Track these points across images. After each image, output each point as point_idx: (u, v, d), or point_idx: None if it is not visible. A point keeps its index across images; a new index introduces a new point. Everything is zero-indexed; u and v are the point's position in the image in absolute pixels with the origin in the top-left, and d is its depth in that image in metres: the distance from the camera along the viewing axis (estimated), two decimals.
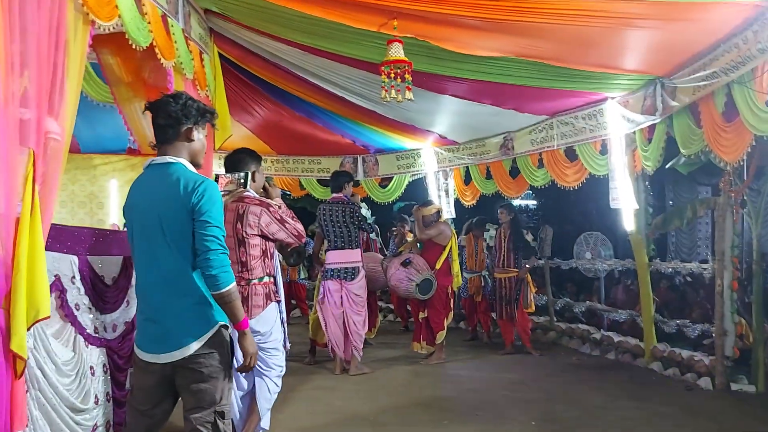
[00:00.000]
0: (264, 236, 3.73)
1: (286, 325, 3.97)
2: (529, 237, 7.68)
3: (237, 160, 3.83)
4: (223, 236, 2.49)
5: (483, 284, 8.35)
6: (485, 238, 7.90)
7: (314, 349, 6.85)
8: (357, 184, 9.54)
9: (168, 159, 2.56)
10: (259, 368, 3.75)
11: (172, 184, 2.48)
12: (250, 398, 3.87)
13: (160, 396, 2.57)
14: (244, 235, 3.68)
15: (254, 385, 3.84)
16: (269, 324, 3.75)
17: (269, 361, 3.79)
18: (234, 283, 2.47)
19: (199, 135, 2.64)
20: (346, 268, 6.23)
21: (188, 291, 2.49)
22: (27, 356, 2.64)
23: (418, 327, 7.00)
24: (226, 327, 2.55)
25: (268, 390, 3.84)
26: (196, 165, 2.66)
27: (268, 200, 3.84)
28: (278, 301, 3.84)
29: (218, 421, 2.52)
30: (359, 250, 6.32)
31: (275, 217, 3.73)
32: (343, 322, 6.23)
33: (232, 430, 2.87)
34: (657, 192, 8.98)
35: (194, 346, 2.46)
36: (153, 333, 2.53)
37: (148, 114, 2.65)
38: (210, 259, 2.41)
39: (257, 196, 3.81)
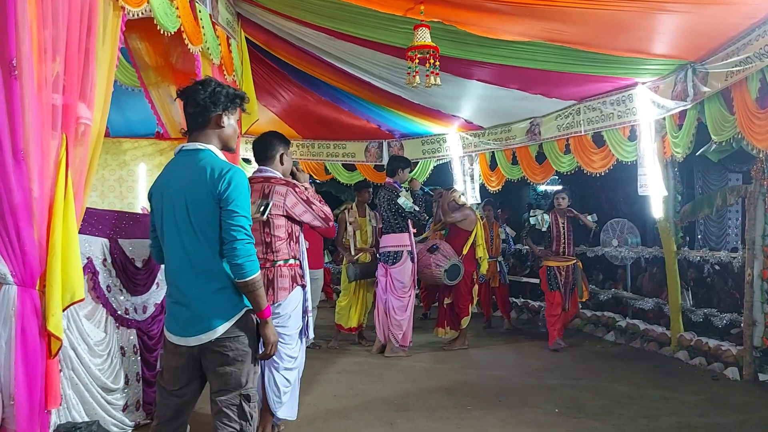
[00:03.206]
0: (289, 217, 3.64)
1: (309, 314, 3.84)
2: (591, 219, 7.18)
3: (266, 143, 3.76)
4: (250, 225, 2.51)
5: (499, 270, 8.31)
6: (532, 222, 7.43)
7: (339, 334, 6.92)
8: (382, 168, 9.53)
9: (197, 146, 2.59)
10: (271, 360, 3.53)
11: (200, 171, 2.50)
12: (261, 391, 3.67)
13: (188, 377, 2.61)
14: (269, 215, 3.59)
15: (264, 378, 3.69)
16: (290, 308, 3.65)
17: (281, 351, 3.56)
18: (259, 273, 2.49)
19: (229, 120, 2.65)
20: (388, 252, 6.36)
21: (215, 276, 2.52)
22: (63, 337, 2.71)
23: (442, 313, 7.00)
24: (252, 311, 2.59)
25: (276, 384, 3.70)
26: (228, 150, 2.68)
27: (294, 181, 3.75)
28: (303, 286, 3.74)
29: (244, 404, 2.55)
30: (405, 234, 6.37)
31: (301, 198, 3.64)
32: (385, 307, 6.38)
33: (258, 414, 2.89)
34: (686, 179, 8.87)
35: (220, 330, 2.49)
36: (181, 316, 2.57)
37: (176, 98, 2.69)
38: (236, 248, 2.44)
39: (283, 177, 3.73)
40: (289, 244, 3.66)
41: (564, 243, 7.01)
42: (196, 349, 2.54)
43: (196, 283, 2.52)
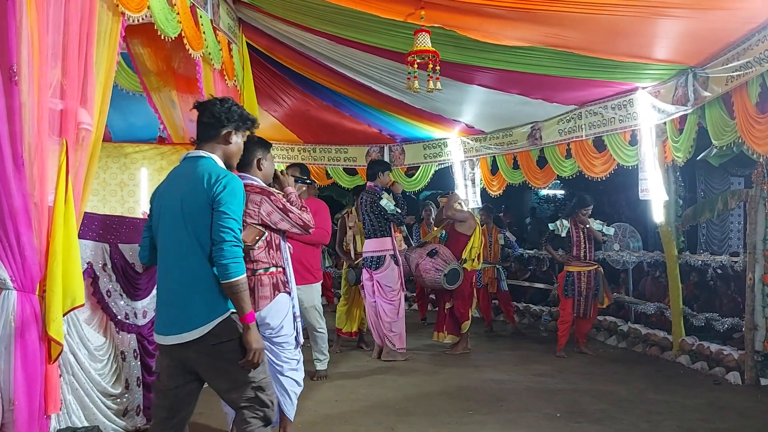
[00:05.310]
0: (266, 226, 3.53)
1: (300, 319, 3.77)
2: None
3: (244, 149, 3.42)
4: (240, 229, 2.55)
5: (497, 276, 8.28)
6: (553, 228, 7.23)
7: (339, 338, 6.91)
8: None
9: (200, 153, 2.70)
10: (274, 366, 3.56)
11: (198, 176, 2.58)
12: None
13: (180, 377, 2.63)
14: (245, 224, 3.43)
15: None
16: (280, 317, 3.56)
17: (282, 356, 3.59)
18: (244, 276, 2.52)
19: (237, 139, 2.78)
20: (372, 257, 6.31)
21: (203, 278, 2.56)
22: (63, 342, 2.72)
23: (441, 317, 6.99)
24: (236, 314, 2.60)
25: (284, 387, 3.67)
26: (228, 166, 2.77)
27: (270, 189, 3.61)
28: (288, 293, 3.64)
29: (259, 394, 2.62)
30: (388, 239, 6.34)
31: (277, 206, 3.50)
32: (375, 311, 6.34)
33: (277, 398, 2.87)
34: (688, 183, 8.83)
35: (204, 329, 2.53)
36: (167, 316, 2.62)
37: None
38: (223, 249, 2.49)
39: (262, 184, 3.59)
40: (269, 252, 3.56)
41: (584, 248, 6.84)
42: (188, 353, 2.56)
43: (185, 283, 2.57)
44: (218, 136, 2.72)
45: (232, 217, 2.52)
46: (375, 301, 6.35)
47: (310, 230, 3.69)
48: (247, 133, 2.86)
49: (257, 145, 3.63)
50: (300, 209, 3.62)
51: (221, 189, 2.52)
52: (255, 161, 3.58)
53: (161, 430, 2.65)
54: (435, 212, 8.55)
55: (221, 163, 2.70)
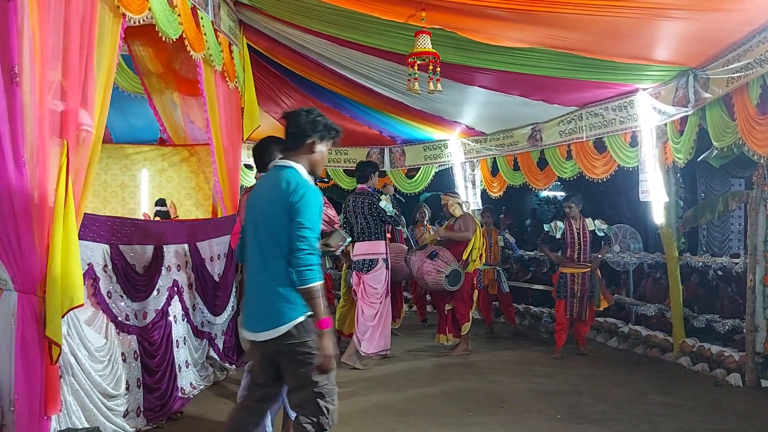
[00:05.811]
0: None
1: None
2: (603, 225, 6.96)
3: (263, 150, 3.73)
4: (314, 237, 2.64)
5: (497, 278, 8.27)
6: (548, 229, 7.22)
7: (339, 340, 6.91)
8: (383, 174, 9.54)
9: (286, 163, 2.83)
10: None
11: (279, 185, 2.71)
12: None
13: (270, 369, 2.80)
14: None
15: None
16: None
17: None
18: (319, 283, 2.61)
19: (321, 148, 2.88)
20: (364, 260, 6.21)
21: (283, 280, 2.67)
22: (62, 343, 2.72)
23: (443, 319, 6.97)
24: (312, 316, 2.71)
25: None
26: (313, 174, 2.89)
27: None
28: None
29: (318, 400, 2.72)
30: (382, 242, 6.27)
31: None
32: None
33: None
34: (689, 184, 8.85)
35: (284, 329, 2.66)
36: (253, 314, 2.78)
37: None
38: (297, 257, 2.59)
39: None
40: None
41: (579, 249, 6.79)
42: (271, 349, 2.71)
43: (268, 285, 2.70)
44: (303, 145, 2.81)
45: (306, 226, 2.62)
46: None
47: (336, 225, 3.85)
48: (331, 141, 2.93)
49: (276, 146, 3.74)
50: (324, 205, 3.72)
51: (297, 199, 2.63)
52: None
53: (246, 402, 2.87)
54: (428, 214, 8.56)
55: (305, 173, 2.80)
